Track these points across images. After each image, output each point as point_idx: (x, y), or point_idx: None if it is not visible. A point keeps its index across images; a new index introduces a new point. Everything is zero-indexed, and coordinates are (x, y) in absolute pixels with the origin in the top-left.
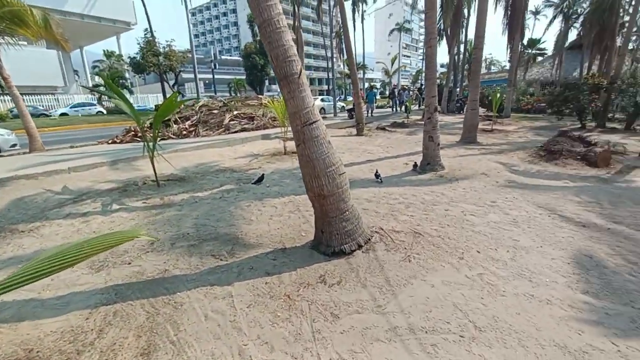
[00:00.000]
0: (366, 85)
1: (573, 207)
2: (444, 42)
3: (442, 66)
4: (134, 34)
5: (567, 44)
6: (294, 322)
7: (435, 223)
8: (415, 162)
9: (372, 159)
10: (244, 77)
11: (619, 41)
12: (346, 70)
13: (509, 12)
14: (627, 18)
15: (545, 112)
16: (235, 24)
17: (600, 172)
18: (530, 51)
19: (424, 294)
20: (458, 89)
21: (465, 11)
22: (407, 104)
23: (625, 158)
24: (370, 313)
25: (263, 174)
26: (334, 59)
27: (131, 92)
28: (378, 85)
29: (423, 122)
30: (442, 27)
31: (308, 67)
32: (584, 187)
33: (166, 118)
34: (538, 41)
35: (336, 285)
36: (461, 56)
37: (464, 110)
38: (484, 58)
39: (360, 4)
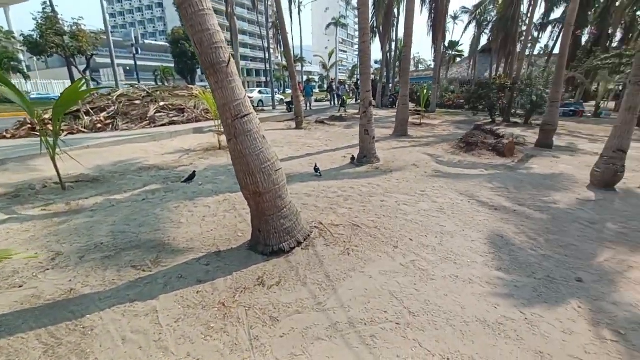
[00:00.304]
0: (304, 78)
1: (487, 193)
2: (377, 40)
3: (376, 62)
4: (28, 7)
5: (479, 47)
6: (229, 332)
7: (372, 214)
8: (353, 155)
9: (311, 153)
10: (172, 64)
11: (519, 47)
12: (284, 62)
13: (433, 15)
14: (525, 28)
15: (463, 107)
16: (160, 4)
17: (507, 160)
18: (450, 52)
19: (363, 285)
20: (391, 85)
21: (396, 10)
22: (344, 97)
23: (525, 148)
24: (310, 312)
25: (194, 172)
26: (271, 50)
27: (26, 77)
28: (316, 78)
29: (359, 116)
30: (375, 25)
31: (244, 58)
32: (495, 174)
33: (73, 109)
34: (457, 43)
35: (275, 286)
36: (393, 54)
37: (397, 105)
38: (412, 57)
39: None
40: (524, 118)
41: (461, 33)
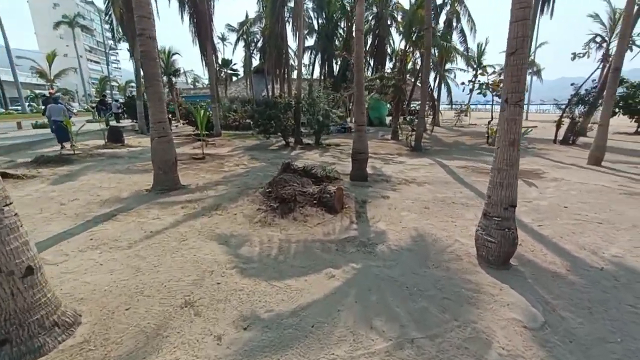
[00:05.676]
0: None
1: None
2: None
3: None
4: None
5: (253, 67)
6: None
7: None
8: None
9: None
10: None
11: (295, 73)
12: None
13: (195, 19)
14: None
15: (251, 128)
16: None
17: (345, 222)
18: (226, 70)
19: None
20: None
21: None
22: (64, 123)
23: (343, 182)
24: None
25: None
26: None
27: None
28: (50, 93)
29: (108, 149)
30: (109, 9)
31: None
32: (359, 281)
33: None
34: (230, 62)
35: None
36: None
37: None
38: (183, 71)
39: None
40: (314, 138)
41: (232, 51)
